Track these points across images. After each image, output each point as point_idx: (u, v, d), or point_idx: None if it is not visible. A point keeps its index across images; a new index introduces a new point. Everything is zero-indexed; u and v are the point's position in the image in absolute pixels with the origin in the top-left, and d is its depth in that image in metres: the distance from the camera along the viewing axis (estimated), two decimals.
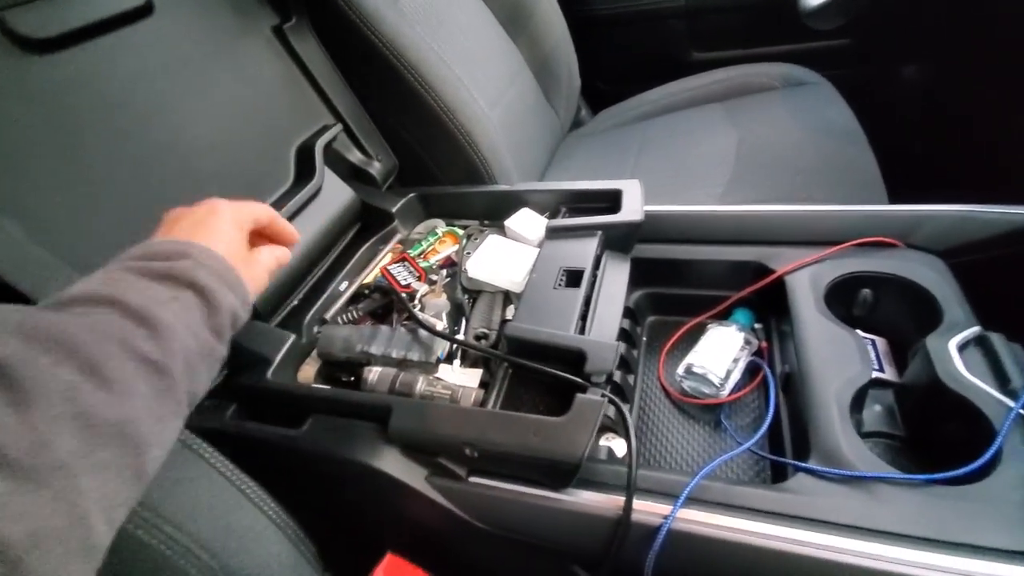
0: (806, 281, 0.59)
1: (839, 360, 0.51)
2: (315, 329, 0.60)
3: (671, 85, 1.27)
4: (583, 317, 0.52)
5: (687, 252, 0.69)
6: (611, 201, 0.67)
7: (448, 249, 0.70)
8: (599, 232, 0.61)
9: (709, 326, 0.66)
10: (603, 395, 0.43)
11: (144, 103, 0.51)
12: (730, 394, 0.60)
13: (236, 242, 0.40)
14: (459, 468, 0.46)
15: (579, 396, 0.42)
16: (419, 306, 0.60)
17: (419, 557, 0.49)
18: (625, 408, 0.42)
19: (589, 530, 0.42)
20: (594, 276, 0.57)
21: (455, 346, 0.56)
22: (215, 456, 0.43)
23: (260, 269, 0.42)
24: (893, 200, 0.81)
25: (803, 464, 0.44)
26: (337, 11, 0.68)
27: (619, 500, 0.42)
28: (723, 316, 0.69)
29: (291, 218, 0.61)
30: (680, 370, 0.63)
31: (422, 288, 0.63)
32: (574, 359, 0.47)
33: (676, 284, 0.70)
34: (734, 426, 0.58)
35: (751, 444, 0.49)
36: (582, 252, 0.59)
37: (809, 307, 0.56)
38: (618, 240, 0.62)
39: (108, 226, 0.47)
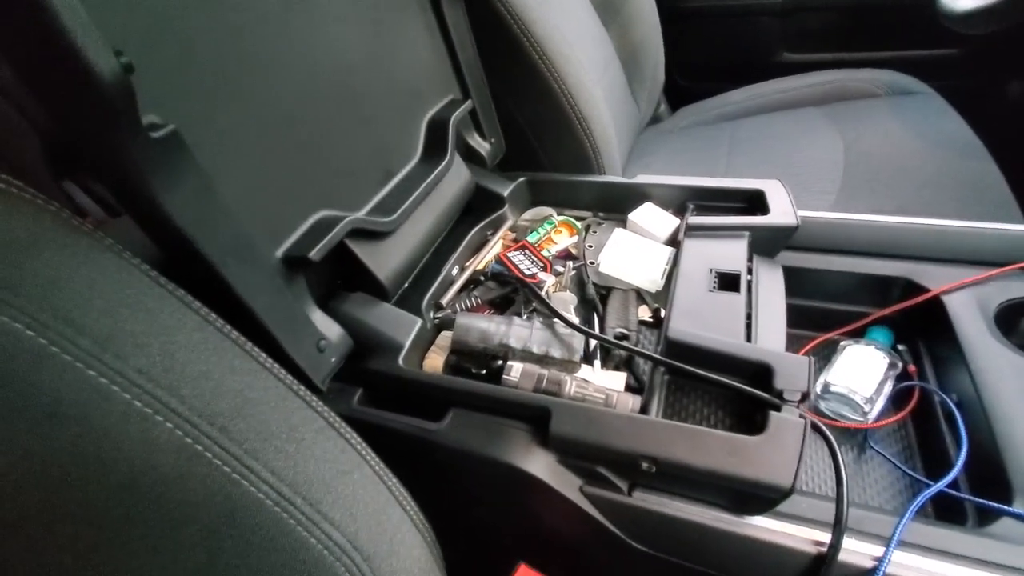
0: (972, 303, 0.55)
1: None
2: (431, 314, 0.56)
3: (759, 86, 1.21)
4: (747, 325, 0.48)
5: (820, 262, 0.64)
6: (748, 201, 0.63)
7: (564, 240, 0.66)
8: (747, 234, 0.56)
9: (843, 344, 0.61)
10: (801, 415, 0.38)
11: (317, 49, 0.46)
12: (877, 419, 0.55)
13: None
14: (621, 481, 0.42)
15: (774, 415, 0.38)
16: (546, 298, 0.56)
17: (552, 570, 0.46)
18: (829, 432, 0.38)
19: (778, 565, 0.38)
20: (748, 281, 0.52)
21: (592, 346, 0.52)
22: (365, 448, 0.39)
23: None
24: None
25: (1012, 509, 0.40)
26: None
27: (817, 535, 0.38)
28: (857, 334, 0.64)
29: (421, 199, 0.57)
30: (817, 388, 0.58)
31: (548, 279, 0.58)
32: (753, 372, 0.42)
33: (804, 295, 0.65)
34: (890, 454, 0.53)
35: (945, 483, 0.44)
36: (732, 254, 0.54)
37: (982, 332, 0.52)
38: (764, 244, 0.57)
39: (265, 165, 0.42)
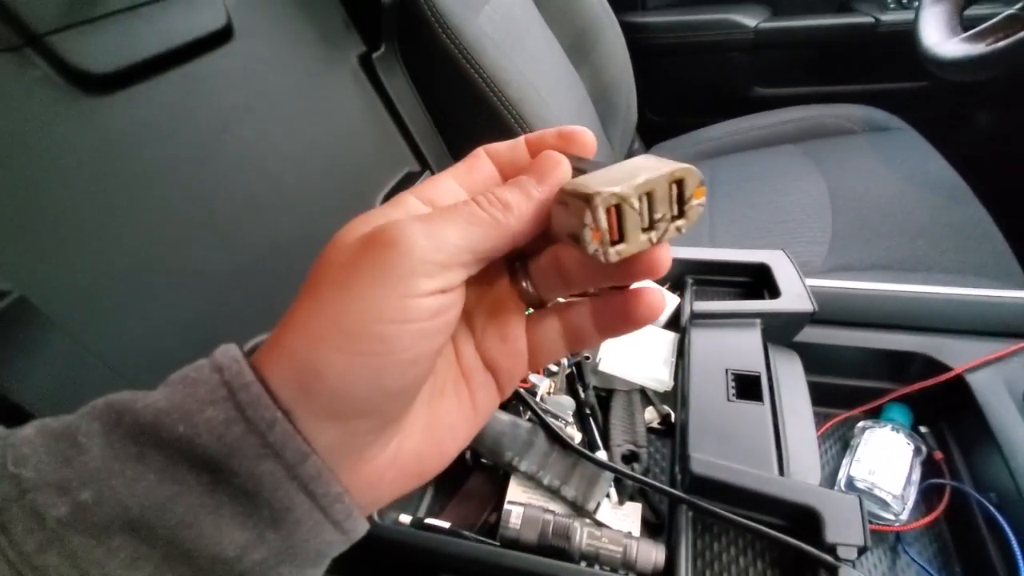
0: (999, 383, 0.50)
1: None
2: None
3: (734, 122, 1.19)
4: (776, 444, 0.42)
5: (828, 336, 0.59)
6: (752, 275, 0.58)
7: None
8: (759, 321, 0.51)
9: (860, 425, 0.57)
10: None
11: (221, 149, 0.39)
12: (910, 519, 0.50)
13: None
14: None
15: None
16: (542, 410, 0.49)
17: None
18: None
19: None
20: (770, 384, 0.47)
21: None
22: None
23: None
24: None
25: None
26: (434, 41, 0.57)
27: None
28: (873, 413, 0.59)
29: None
30: (840, 483, 0.53)
31: (542, 383, 0.51)
32: (793, 513, 0.36)
33: (813, 371, 0.60)
34: (925, 559, 0.48)
35: None
36: (746, 348, 0.48)
37: (1015, 419, 0.47)
38: (777, 330, 0.52)
39: (171, 323, 0.35)
